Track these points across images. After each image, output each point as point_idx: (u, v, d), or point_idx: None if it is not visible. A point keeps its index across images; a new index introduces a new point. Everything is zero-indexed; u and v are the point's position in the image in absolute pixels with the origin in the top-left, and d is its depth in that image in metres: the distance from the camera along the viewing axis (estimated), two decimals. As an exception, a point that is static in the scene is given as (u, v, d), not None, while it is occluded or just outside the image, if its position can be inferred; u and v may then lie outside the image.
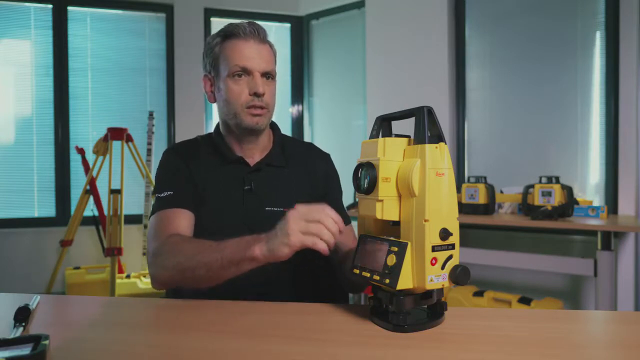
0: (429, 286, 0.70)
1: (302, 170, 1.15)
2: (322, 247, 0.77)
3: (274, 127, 1.19)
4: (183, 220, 1.02)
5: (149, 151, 3.35)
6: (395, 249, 0.71)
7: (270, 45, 1.09)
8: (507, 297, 2.32)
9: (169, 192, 1.05)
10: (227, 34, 1.05)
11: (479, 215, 2.42)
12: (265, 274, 1.07)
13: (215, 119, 4.03)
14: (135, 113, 3.58)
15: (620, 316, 0.87)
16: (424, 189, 0.69)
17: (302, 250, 1.12)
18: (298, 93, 3.93)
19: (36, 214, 3.48)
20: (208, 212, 1.07)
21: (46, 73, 3.47)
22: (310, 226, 0.77)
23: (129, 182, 3.32)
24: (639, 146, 2.46)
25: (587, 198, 2.62)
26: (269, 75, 1.07)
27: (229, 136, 1.12)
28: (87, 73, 3.56)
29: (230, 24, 1.06)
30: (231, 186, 1.09)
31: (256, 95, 1.03)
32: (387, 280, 0.70)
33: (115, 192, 2.97)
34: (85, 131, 3.55)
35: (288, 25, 3.90)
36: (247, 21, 1.06)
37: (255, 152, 1.12)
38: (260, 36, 1.05)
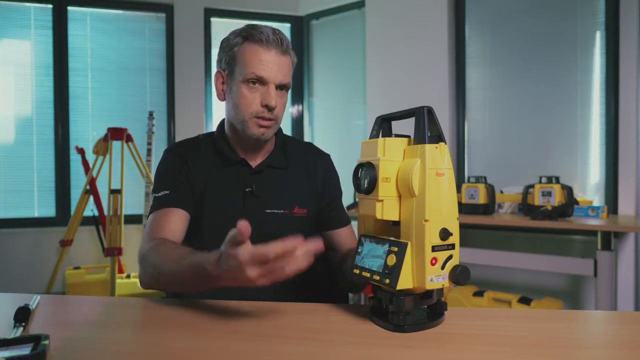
0: (429, 286, 0.70)
1: (302, 170, 1.14)
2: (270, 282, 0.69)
3: None
4: (176, 221, 1.02)
5: (149, 151, 3.35)
6: (395, 249, 0.71)
7: (291, 56, 1.05)
8: (507, 297, 2.32)
9: (166, 192, 1.06)
10: (249, 36, 1.00)
11: (479, 215, 2.42)
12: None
13: (216, 118, 4.00)
14: (135, 113, 3.58)
15: (620, 316, 0.87)
16: (424, 189, 0.69)
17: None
18: (298, 93, 3.93)
19: (36, 214, 3.48)
20: (208, 213, 1.07)
21: (46, 73, 3.47)
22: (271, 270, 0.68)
23: (129, 182, 3.32)
24: (639, 146, 2.46)
25: (587, 198, 2.62)
26: (284, 87, 1.04)
27: (234, 137, 1.10)
28: (87, 73, 3.56)
29: (255, 26, 1.01)
30: (232, 188, 1.08)
31: (267, 107, 1.01)
32: (387, 280, 0.70)
33: (115, 192, 2.96)
34: (85, 131, 3.55)
35: (288, 25, 3.90)
36: (271, 27, 1.02)
37: (257, 154, 1.12)
38: (283, 47, 1.01)
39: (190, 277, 0.80)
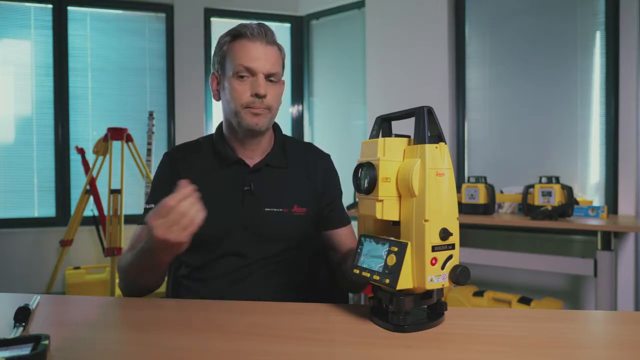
0: (429, 286, 0.70)
1: (302, 170, 1.15)
2: (186, 235, 0.82)
3: (275, 127, 1.19)
4: None
5: (149, 151, 3.35)
6: (395, 249, 0.71)
7: (279, 48, 1.08)
8: (507, 297, 2.32)
9: (152, 206, 1.07)
10: (236, 33, 1.05)
11: (479, 215, 2.42)
12: (265, 275, 1.08)
13: (216, 118, 4.01)
14: (135, 113, 3.58)
15: (620, 316, 0.87)
16: (424, 189, 0.69)
17: (302, 252, 1.13)
18: (298, 93, 3.93)
19: (36, 214, 3.48)
20: (207, 213, 1.07)
21: (46, 73, 3.47)
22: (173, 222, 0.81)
23: (129, 182, 3.32)
24: (639, 146, 2.46)
25: (587, 198, 2.62)
26: (273, 77, 1.06)
27: (232, 137, 1.12)
28: (87, 73, 3.56)
29: (241, 24, 1.06)
30: (230, 187, 1.09)
31: (257, 96, 1.03)
32: (387, 280, 0.70)
33: (115, 192, 2.96)
34: (85, 131, 3.55)
35: (288, 25, 3.90)
36: (256, 22, 1.06)
37: (256, 153, 1.12)
38: (268, 38, 1.05)
39: (143, 259, 0.92)
